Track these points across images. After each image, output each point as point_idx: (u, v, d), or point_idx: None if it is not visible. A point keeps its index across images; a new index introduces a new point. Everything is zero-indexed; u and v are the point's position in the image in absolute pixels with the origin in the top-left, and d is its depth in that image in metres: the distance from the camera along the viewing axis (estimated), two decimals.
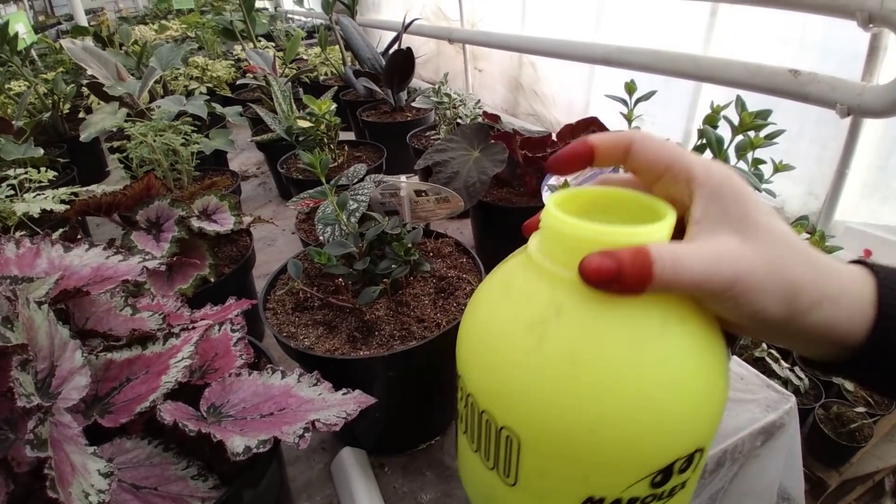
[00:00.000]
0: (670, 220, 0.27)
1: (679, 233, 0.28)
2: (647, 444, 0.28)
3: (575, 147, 0.30)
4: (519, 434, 0.29)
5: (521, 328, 0.30)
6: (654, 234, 0.26)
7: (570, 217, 0.27)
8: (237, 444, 0.42)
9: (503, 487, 0.32)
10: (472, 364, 0.33)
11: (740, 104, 0.67)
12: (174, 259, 0.73)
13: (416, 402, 0.70)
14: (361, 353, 0.61)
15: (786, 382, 1.14)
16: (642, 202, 0.30)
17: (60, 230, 0.80)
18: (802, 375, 1.19)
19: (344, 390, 0.52)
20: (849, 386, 1.19)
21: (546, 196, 0.79)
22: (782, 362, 1.18)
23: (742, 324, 0.28)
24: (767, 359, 1.15)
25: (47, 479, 0.32)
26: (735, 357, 0.84)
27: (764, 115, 0.66)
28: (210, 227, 0.81)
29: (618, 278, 0.25)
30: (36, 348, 0.41)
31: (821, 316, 0.26)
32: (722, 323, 0.29)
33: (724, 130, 0.68)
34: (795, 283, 0.25)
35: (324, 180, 0.71)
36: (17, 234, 0.95)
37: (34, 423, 0.34)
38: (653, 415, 0.27)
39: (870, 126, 1.09)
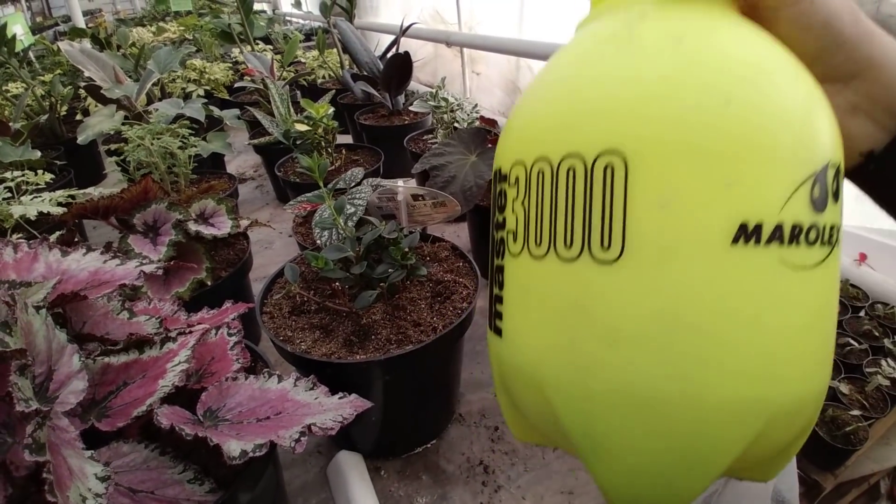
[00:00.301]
0: None
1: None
2: (796, 119, 0.23)
3: None
4: (625, 149, 0.22)
5: (600, 43, 0.25)
6: None
7: None
8: (233, 448, 0.42)
9: (601, 278, 0.23)
10: (537, 115, 0.26)
11: None
12: (171, 263, 0.73)
13: (412, 406, 0.70)
14: (358, 357, 0.61)
15: None
16: None
17: (57, 233, 0.80)
18: None
19: (340, 394, 0.52)
20: (844, 389, 1.20)
21: None
22: None
23: (812, 40, 0.26)
24: None
25: (45, 482, 0.32)
26: None
27: None
28: (207, 231, 0.81)
29: None
30: (34, 353, 0.41)
31: (882, 51, 0.26)
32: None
33: None
34: (855, 8, 0.26)
35: (322, 184, 0.71)
36: (14, 236, 0.95)
37: (32, 428, 0.34)
38: (787, 87, 0.23)
39: None
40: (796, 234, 0.22)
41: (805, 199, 0.22)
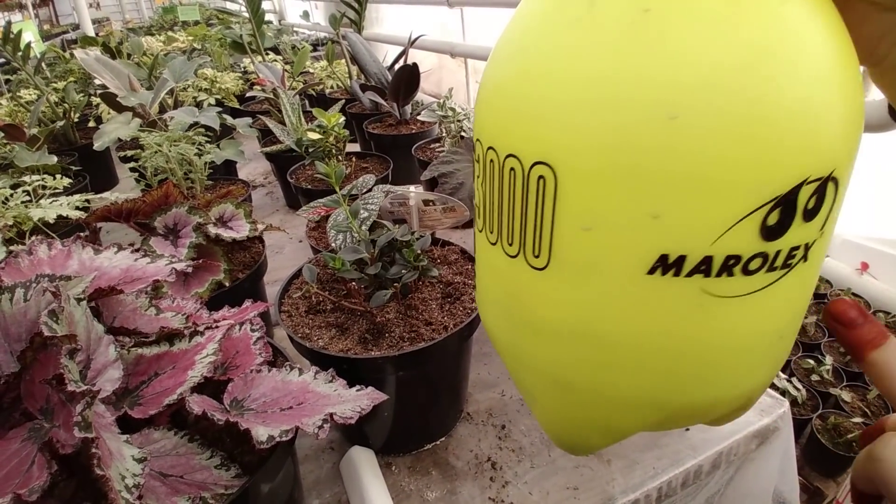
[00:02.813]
0: None
1: None
2: (758, 136, 0.18)
3: None
4: (555, 163, 0.20)
5: (557, 18, 0.21)
6: None
7: None
8: (261, 433, 0.44)
9: (532, 279, 0.24)
10: (496, 90, 0.24)
11: None
12: (198, 262, 0.76)
13: (423, 403, 0.72)
14: (373, 353, 0.64)
15: (783, 393, 1.17)
16: None
17: (83, 234, 0.82)
18: (800, 386, 1.22)
19: (357, 387, 0.54)
20: (846, 397, 1.22)
21: None
22: (780, 374, 1.21)
23: None
24: None
25: (94, 457, 0.35)
26: None
27: None
28: (227, 234, 0.84)
29: None
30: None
31: None
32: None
33: None
34: None
35: (338, 189, 0.74)
36: (32, 238, 0.98)
37: (82, 407, 0.36)
38: (766, 85, 0.18)
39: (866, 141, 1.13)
40: (729, 265, 0.20)
41: (754, 228, 0.20)
